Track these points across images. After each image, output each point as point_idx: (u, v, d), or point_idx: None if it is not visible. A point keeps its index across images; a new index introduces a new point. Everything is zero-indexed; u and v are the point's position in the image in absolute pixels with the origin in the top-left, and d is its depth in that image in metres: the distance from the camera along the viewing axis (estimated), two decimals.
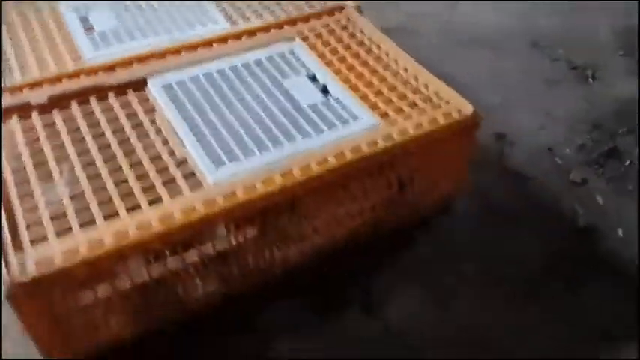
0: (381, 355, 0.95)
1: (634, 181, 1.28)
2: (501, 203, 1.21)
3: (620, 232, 1.17)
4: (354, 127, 0.97)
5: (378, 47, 1.16)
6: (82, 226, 0.80)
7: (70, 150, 0.92)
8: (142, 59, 1.08)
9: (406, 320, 1.00)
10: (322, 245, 1.02)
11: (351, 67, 1.11)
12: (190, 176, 0.88)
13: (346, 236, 1.04)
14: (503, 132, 1.39)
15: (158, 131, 0.96)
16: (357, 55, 1.13)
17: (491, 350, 0.96)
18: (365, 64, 1.12)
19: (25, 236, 0.78)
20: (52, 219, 0.80)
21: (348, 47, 1.16)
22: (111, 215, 0.81)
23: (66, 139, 0.94)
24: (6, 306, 0.73)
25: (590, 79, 1.57)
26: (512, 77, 1.57)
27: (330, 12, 1.25)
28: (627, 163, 1.33)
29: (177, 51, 1.10)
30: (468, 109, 1.01)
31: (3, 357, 0.93)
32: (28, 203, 0.83)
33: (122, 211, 0.82)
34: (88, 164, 0.90)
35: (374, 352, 0.95)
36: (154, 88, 1.03)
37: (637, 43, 1.69)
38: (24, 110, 0.97)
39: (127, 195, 0.84)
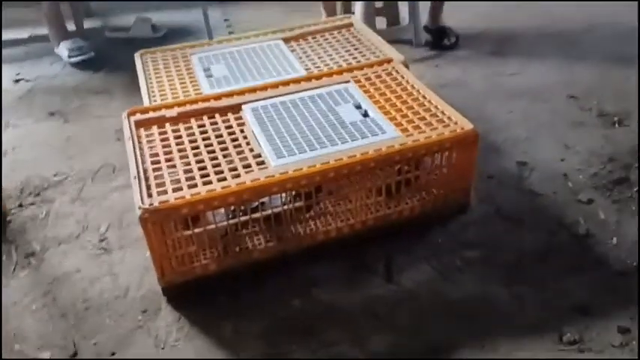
0: (393, 307, 1.25)
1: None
2: (511, 210, 1.47)
3: (614, 240, 1.38)
4: (381, 137, 1.34)
5: (412, 87, 1.53)
6: (188, 187, 1.22)
7: (187, 147, 1.37)
8: (239, 93, 1.54)
9: (417, 287, 1.29)
10: (355, 225, 1.37)
11: (388, 100, 1.48)
12: (261, 163, 1.29)
13: (374, 221, 1.38)
14: (525, 160, 1.66)
15: (245, 137, 1.39)
16: (394, 92, 1.51)
17: (483, 313, 1.22)
18: (399, 97, 1.49)
19: (154, 190, 1.22)
20: (171, 183, 1.24)
21: (388, 87, 1.54)
22: (207, 183, 1.23)
23: (185, 141, 1.39)
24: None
25: (616, 125, 1.80)
26: (542, 119, 1.84)
27: (380, 63, 1.65)
28: (635, 189, 1.53)
29: (264, 88, 1.56)
30: (469, 126, 1.33)
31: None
32: (158, 175, 1.28)
33: (214, 180, 1.24)
34: (197, 155, 1.34)
35: (388, 306, 1.25)
36: (245, 110, 1.47)
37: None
38: (161, 121, 1.45)
39: (219, 172, 1.26)
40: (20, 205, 1.61)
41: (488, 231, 1.42)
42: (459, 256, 1.35)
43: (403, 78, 1.58)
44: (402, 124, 1.38)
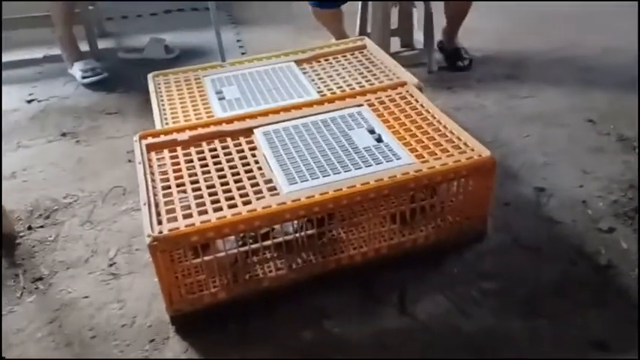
0: (406, 340, 1.21)
1: None
2: (528, 239, 1.43)
3: (637, 271, 1.33)
4: (395, 163, 1.31)
5: (427, 111, 1.50)
6: (198, 214, 1.20)
7: (198, 172, 1.35)
8: (251, 116, 1.52)
9: (431, 319, 1.25)
10: (368, 253, 1.33)
11: (402, 124, 1.46)
12: (272, 189, 1.26)
13: (387, 249, 1.35)
14: (543, 186, 1.62)
15: (256, 162, 1.37)
16: (408, 116, 1.49)
17: (499, 347, 1.18)
18: (414, 122, 1.46)
19: (163, 217, 1.20)
20: (181, 209, 1.22)
21: (403, 111, 1.51)
22: (217, 209, 1.21)
23: (196, 165, 1.37)
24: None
25: (636, 150, 1.75)
26: (559, 143, 1.81)
27: (394, 86, 1.62)
28: None
29: (276, 111, 1.54)
30: (486, 153, 1.30)
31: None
32: (169, 200, 1.26)
33: (225, 207, 1.21)
34: (207, 180, 1.32)
35: (401, 339, 1.21)
36: (257, 134, 1.46)
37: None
38: (172, 145, 1.43)
39: (229, 198, 1.24)
40: (29, 228, 1.59)
41: (506, 261, 1.38)
42: (475, 287, 1.31)
43: (417, 102, 1.55)
44: (417, 150, 1.35)
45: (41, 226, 1.60)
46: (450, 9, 2.33)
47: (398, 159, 1.33)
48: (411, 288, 1.31)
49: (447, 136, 1.40)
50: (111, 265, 1.45)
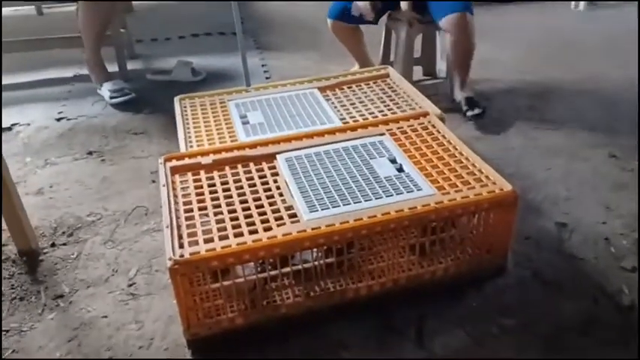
0: None
1: None
2: (549, 274, 1.41)
3: None
4: (416, 194, 1.31)
5: (449, 142, 1.51)
6: (219, 239, 1.21)
7: (221, 196, 1.37)
8: (274, 141, 1.54)
9: (449, 354, 1.23)
10: (386, 284, 1.33)
11: (423, 155, 1.46)
12: (293, 216, 1.27)
13: (406, 280, 1.34)
14: (565, 222, 1.60)
15: (278, 188, 1.38)
16: (430, 146, 1.49)
17: None
18: (435, 152, 1.47)
19: (185, 241, 1.21)
20: (202, 233, 1.24)
21: (424, 141, 1.52)
22: (238, 235, 1.22)
23: (219, 189, 1.39)
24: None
25: None
26: (582, 178, 1.79)
27: (416, 116, 1.63)
28: None
29: (299, 137, 1.56)
30: (508, 187, 1.30)
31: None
32: (190, 224, 1.28)
33: (245, 232, 1.22)
34: (229, 205, 1.33)
35: None
36: (279, 160, 1.47)
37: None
38: (196, 168, 1.46)
39: (250, 224, 1.25)
40: (53, 245, 1.62)
41: (526, 296, 1.36)
42: (495, 322, 1.29)
43: (439, 132, 1.56)
44: (438, 181, 1.35)
45: (64, 244, 1.63)
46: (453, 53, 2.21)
47: (419, 190, 1.33)
48: (430, 321, 1.30)
49: (468, 168, 1.40)
50: (130, 286, 1.46)
